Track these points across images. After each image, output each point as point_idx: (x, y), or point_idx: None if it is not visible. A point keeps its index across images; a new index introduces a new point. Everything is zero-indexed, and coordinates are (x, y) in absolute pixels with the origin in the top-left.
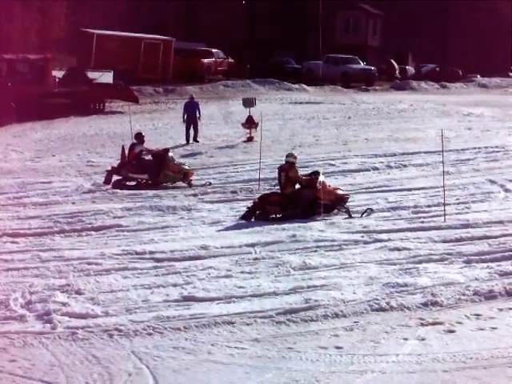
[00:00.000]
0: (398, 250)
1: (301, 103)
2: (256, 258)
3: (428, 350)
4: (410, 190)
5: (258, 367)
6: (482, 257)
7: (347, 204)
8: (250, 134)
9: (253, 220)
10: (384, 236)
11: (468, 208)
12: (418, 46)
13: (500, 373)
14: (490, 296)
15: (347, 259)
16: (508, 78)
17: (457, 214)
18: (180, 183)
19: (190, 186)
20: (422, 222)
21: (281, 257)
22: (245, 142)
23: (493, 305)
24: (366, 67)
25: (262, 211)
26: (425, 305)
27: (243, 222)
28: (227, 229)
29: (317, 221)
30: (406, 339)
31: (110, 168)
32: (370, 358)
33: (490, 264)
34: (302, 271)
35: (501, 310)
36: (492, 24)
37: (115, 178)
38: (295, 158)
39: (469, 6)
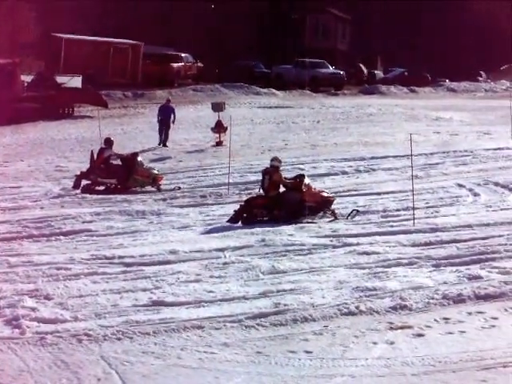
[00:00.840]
0: (367, 254)
1: (270, 107)
2: (225, 263)
3: (397, 353)
4: (379, 193)
5: (227, 372)
6: (451, 260)
7: (333, 206)
8: (220, 138)
9: (239, 223)
10: (353, 240)
11: (437, 212)
12: (387, 51)
13: (469, 376)
14: (459, 300)
15: (316, 263)
16: (476, 82)
17: (426, 217)
18: (149, 188)
19: (159, 190)
20: (391, 226)
21: (250, 261)
22: (214, 146)
23: (462, 308)
24: (335, 71)
25: (249, 214)
26: (394, 309)
27: (216, 225)
28: (197, 233)
29: (286, 225)
30: (375, 343)
31: (78, 173)
32: (339, 362)
33: (459, 268)
34: (271, 275)
35: (470, 313)
36: (460, 29)
37: (84, 182)
38: (280, 162)
39: (440, 8)
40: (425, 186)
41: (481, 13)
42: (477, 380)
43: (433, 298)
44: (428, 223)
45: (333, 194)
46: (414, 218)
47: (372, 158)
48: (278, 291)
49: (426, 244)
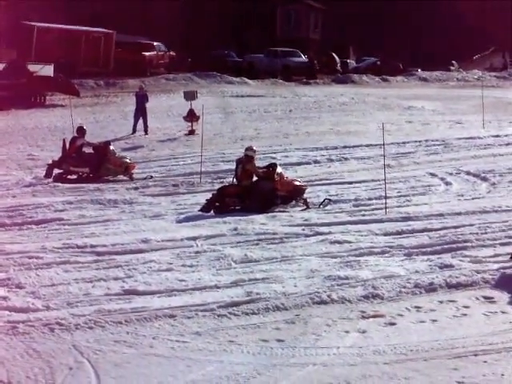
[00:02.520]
0: (339, 242)
1: (242, 96)
2: (197, 252)
3: (369, 342)
4: (351, 183)
5: (199, 360)
6: (423, 249)
7: (305, 195)
8: (192, 127)
9: (211, 212)
10: (325, 229)
11: (409, 201)
12: (360, 40)
13: (440, 365)
14: (431, 288)
15: (288, 252)
16: (448, 71)
17: (398, 206)
18: (121, 177)
19: (132, 179)
20: (363, 215)
21: (222, 250)
22: (186, 135)
23: (433, 297)
24: (307, 60)
25: (221, 203)
26: (366, 297)
27: (188, 214)
28: (169, 222)
29: (258, 214)
30: (347, 332)
31: (50, 162)
32: (311, 351)
33: (431, 257)
34: (243, 264)
35: (441, 302)
36: (434, 18)
37: (56, 171)
38: (254, 151)
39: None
40: (397, 175)
41: (454, 2)
42: (448, 368)
43: (404, 287)
44: (400, 212)
45: (305, 183)
46: (385, 207)
47: (344, 147)
48: (250, 280)
49: (398, 233)
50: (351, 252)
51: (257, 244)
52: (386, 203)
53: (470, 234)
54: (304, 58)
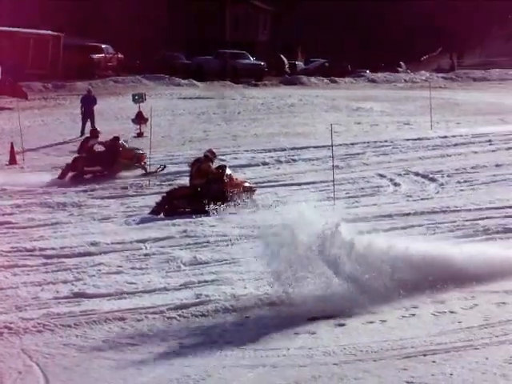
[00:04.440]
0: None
1: (191, 98)
2: (147, 254)
3: (319, 343)
4: (299, 184)
5: (149, 363)
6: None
7: (254, 196)
8: (140, 129)
9: (161, 215)
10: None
11: (357, 202)
12: (308, 42)
13: (389, 365)
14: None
15: (238, 254)
16: (396, 72)
17: (346, 208)
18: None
19: (145, 169)
20: None
21: (171, 252)
22: (135, 137)
23: (382, 298)
24: (256, 62)
25: (170, 206)
26: (315, 299)
27: (137, 217)
28: (118, 225)
29: (208, 216)
30: (296, 333)
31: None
32: (261, 353)
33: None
34: (192, 266)
35: (390, 302)
36: (383, 19)
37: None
38: (213, 154)
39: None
40: (345, 177)
41: (402, 4)
42: (397, 368)
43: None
44: (349, 213)
45: (254, 184)
46: (334, 209)
47: (293, 148)
48: (200, 282)
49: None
50: None
51: (206, 246)
52: (334, 204)
53: (419, 234)
54: (252, 59)
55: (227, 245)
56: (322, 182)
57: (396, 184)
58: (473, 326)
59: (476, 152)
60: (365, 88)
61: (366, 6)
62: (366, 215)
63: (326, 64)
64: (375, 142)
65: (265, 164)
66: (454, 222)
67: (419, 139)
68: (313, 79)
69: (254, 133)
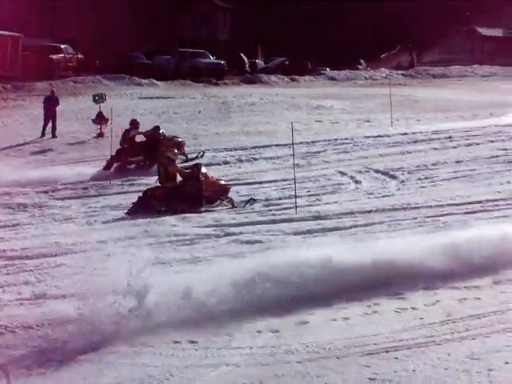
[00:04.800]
0: (250, 243)
1: (151, 98)
2: (108, 254)
3: (281, 341)
4: (260, 183)
5: (112, 363)
6: (334, 247)
7: (229, 194)
8: (101, 129)
9: (138, 214)
10: (236, 229)
11: (319, 200)
12: (269, 40)
13: (352, 362)
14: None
15: (199, 253)
16: (356, 70)
17: (308, 206)
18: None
19: (186, 157)
20: (274, 215)
21: (134, 252)
22: (95, 137)
23: (344, 295)
24: (216, 61)
25: (147, 205)
26: (277, 298)
27: (98, 217)
28: (79, 225)
29: (170, 215)
30: (259, 331)
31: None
32: (224, 352)
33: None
34: (154, 266)
35: (352, 299)
36: (341, 17)
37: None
38: (175, 154)
39: None
40: (306, 175)
41: (362, 2)
42: (360, 365)
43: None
44: (310, 211)
45: (229, 183)
46: (296, 207)
47: (254, 147)
48: (162, 281)
49: (309, 232)
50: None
51: (168, 246)
52: (296, 202)
53: (380, 231)
54: (212, 58)
55: (188, 244)
56: (283, 180)
57: (357, 181)
58: (435, 322)
59: (436, 149)
60: (325, 86)
61: (326, 4)
62: (328, 213)
63: (286, 62)
64: (336, 139)
65: (226, 163)
66: (415, 218)
67: (379, 136)
68: (273, 78)
69: (214, 132)
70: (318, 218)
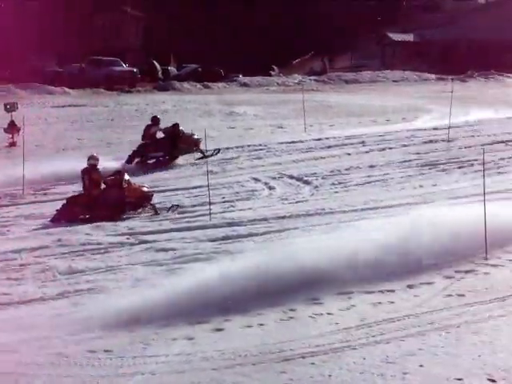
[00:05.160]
0: (165, 250)
1: (63, 107)
2: (22, 264)
3: (197, 349)
4: (174, 190)
5: (26, 374)
6: (248, 254)
7: (153, 201)
8: (13, 139)
9: (62, 222)
10: (150, 237)
11: (233, 206)
12: (181, 47)
13: (269, 368)
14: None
15: (114, 262)
16: (269, 76)
17: (222, 212)
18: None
19: (203, 154)
20: (188, 222)
21: (47, 262)
22: (7, 147)
23: (259, 301)
24: (129, 69)
25: (70, 213)
26: (193, 304)
27: (11, 227)
28: None
29: (83, 224)
30: (174, 339)
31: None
32: (139, 360)
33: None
34: (68, 276)
35: (268, 305)
36: (253, 23)
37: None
38: (97, 159)
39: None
40: (220, 181)
41: (274, 8)
42: (276, 371)
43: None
44: (224, 218)
45: (152, 189)
46: (210, 213)
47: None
48: (76, 291)
49: (223, 238)
50: (177, 259)
51: (82, 255)
52: (210, 209)
53: (293, 237)
54: (125, 66)
55: (103, 253)
56: (197, 187)
57: (271, 187)
58: (350, 327)
59: (349, 154)
60: (238, 92)
61: (236, 10)
62: (242, 219)
63: (199, 69)
64: (249, 146)
65: (139, 171)
66: (329, 223)
67: (293, 142)
68: (186, 85)
69: (128, 139)
70: (232, 224)
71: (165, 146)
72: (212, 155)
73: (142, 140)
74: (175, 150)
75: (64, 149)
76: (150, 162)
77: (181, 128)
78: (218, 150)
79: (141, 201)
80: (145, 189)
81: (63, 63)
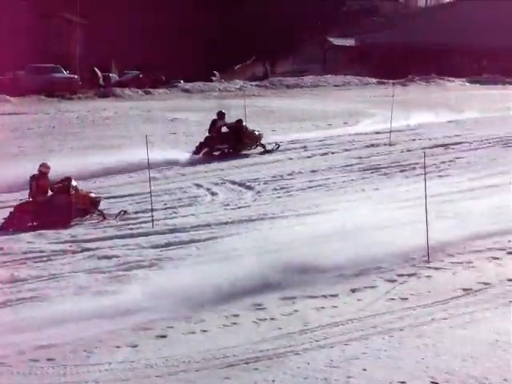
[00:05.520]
0: (108, 257)
1: (3, 115)
2: None
3: (140, 356)
4: (116, 197)
5: None
6: (192, 260)
7: (100, 207)
8: None
9: (10, 230)
10: (92, 245)
11: (176, 213)
12: (123, 54)
13: (212, 374)
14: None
15: (56, 270)
16: (211, 82)
17: (165, 219)
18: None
19: (264, 148)
20: (131, 229)
21: None
22: None
23: (203, 307)
24: (69, 75)
25: (19, 221)
26: (134, 311)
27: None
28: None
29: (26, 232)
30: (118, 347)
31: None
32: (82, 369)
33: (200, 267)
34: (10, 284)
35: (211, 311)
36: (194, 30)
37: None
38: (47, 167)
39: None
40: (162, 188)
41: (213, 14)
42: (220, 377)
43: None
44: (167, 224)
45: (99, 195)
46: (152, 220)
47: (108, 162)
48: (18, 300)
49: (166, 245)
50: (120, 266)
51: (24, 263)
52: (152, 216)
53: (236, 243)
54: (66, 73)
55: (45, 261)
56: (138, 194)
57: (213, 193)
58: (293, 332)
59: (291, 158)
60: (180, 98)
61: (174, 16)
62: (185, 226)
63: (140, 75)
64: (190, 151)
65: (78, 179)
66: (271, 228)
67: None
68: (127, 91)
69: (69, 147)
70: (174, 230)
71: (229, 140)
72: (273, 150)
73: (209, 133)
74: (239, 144)
75: (3, 157)
76: (216, 153)
77: (244, 124)
78: (278, 146)
79: (89, 207)
80: (92, 195)
81: (3, 70)
